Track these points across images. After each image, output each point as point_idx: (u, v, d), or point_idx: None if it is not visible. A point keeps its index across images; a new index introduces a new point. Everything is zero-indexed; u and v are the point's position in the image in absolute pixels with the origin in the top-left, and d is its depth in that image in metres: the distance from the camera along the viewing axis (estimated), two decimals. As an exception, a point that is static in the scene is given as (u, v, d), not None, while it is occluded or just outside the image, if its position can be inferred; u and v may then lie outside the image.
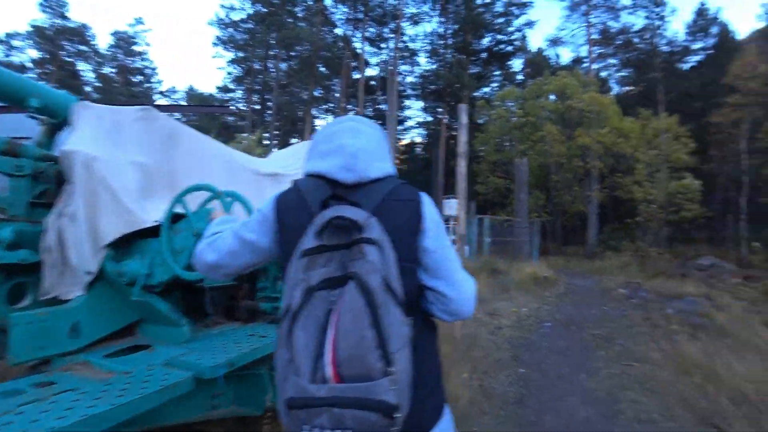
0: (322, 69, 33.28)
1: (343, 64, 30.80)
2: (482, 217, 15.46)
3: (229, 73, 38.02)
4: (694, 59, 29.54)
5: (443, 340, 4.44)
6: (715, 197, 22.24)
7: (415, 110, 42.85)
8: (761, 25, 20.72)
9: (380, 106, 34.50)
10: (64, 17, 41.21)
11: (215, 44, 35.68)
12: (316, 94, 33.17)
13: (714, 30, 28.25)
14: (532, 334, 5.56)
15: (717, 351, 4.23)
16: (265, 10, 29.55)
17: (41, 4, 40.63)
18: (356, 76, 34.42)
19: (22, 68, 35.55)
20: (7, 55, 37.95)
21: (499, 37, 30.13)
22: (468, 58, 29.36)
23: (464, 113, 5.00)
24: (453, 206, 15.38)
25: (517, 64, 33.38)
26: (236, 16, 32.34)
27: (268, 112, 36.22)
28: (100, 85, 41.41)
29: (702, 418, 3.16)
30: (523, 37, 30.43)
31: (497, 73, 32.61)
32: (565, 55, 42.54)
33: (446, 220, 15.38)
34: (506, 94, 22.00)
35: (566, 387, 3.87)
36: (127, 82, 43.15)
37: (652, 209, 14.47)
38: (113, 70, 43.40)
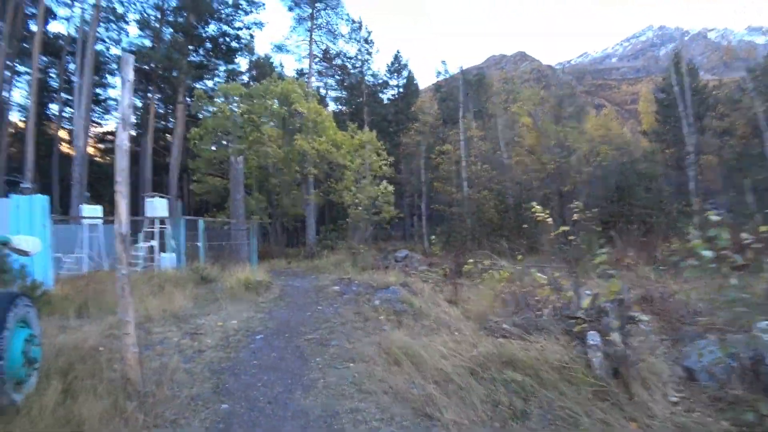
0: None
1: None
2: (194, 218, 13.24)
3: None
4: (391, 93, 37.27)
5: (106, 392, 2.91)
6: (404, 202, 28.20)
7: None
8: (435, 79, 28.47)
9: (71, 76, 25.28)
10: None
11: None
12: None
13: (405, 72, 36.43)
14: (241, 351, 4.40)
15: (418, 334, 4.34)
16: None
17: None
18: (33, 26, 23.99)
19: None
20: None
21: (226, 28, 27.98)
22: (188, 41, 25.67)
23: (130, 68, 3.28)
24: (161, 206, 12.52)
25: (242, 63, 32.26)
26: None
27: None
28: None
29: (416, 410, 2.87)
30: (251, 36, 29.55)
31: (222, 68, 30.37)
32: (289, 65, 44.60)
33: (151, 222, 12.26)
34: (231, 89, 20.53)
35: (280, 414, 2.94)
36: None
37: (359, 211, 16.45)
38: None
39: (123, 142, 3.30)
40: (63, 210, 18.76)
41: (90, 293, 6.85)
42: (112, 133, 32.75)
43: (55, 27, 34.46)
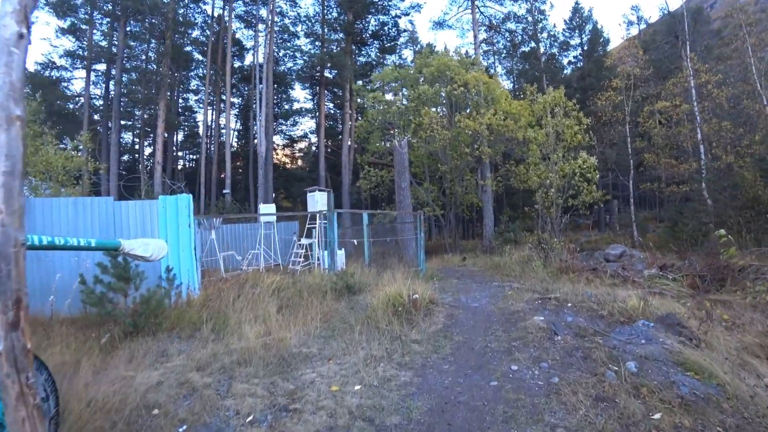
0: (190, 50, 27.22)
1: (211, 45, 25.20)
2: (356, 212, 11.91)
3: (55, 47, 29.35)
4: (573, 55, 30.51)
5: None
6: (599, 182, 22.13)
7: (304, 100, 37.69)
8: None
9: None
10: None
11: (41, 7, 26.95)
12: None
13: (588, 27, 29.25)
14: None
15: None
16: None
17: None
18: (237, 64, 28.99)
19: None
20: None
21: (384, 18, 27.35)
22: (349, 39, 26.02)
23: None
24: (321, 200, 11.63)
25: (407, 55, 31.35)
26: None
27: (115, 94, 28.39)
28: None
29: None
30: (411, 23, 28.28)
31: (388, 61, 30.04)
32: (453, 44, 41.90)
33: (312, 218, 11.47)
34: (384, 75, 18.83)
35: None
36: None
37: (551, 194, 12.41)
38: None
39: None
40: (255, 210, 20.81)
41: (235, 299, 5.82)
42: (295, 140, 36.97)
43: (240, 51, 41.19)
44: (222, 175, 25.81)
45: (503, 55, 31.68)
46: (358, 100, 23.97)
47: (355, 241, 11.51)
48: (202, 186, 23.51)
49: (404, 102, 19.08)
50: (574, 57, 30.44)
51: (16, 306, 1.49)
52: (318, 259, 10.57)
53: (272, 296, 6.19)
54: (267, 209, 13.47)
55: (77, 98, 27.10)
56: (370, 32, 28.15)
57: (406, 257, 11.03)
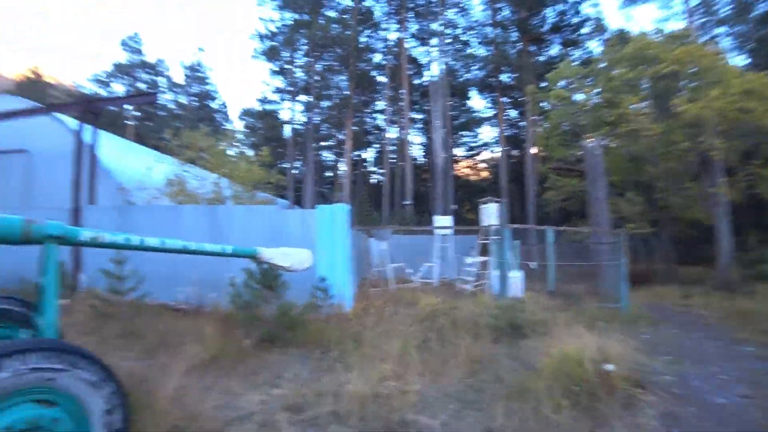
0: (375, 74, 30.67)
1: (392, 66, 27.66)
2: (535, 227, 10.34)
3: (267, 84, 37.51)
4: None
5: None
6: None
7: (484, 109, 35.36)
8: None
9: (450, 112, 30.17)
10: (139, 52, 44.81)
11: (254, 57, 35.01)
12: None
13: None
14: None
15: None
16: (299, 16, 27.62)
17: (122, 43, 44.67)
18: (416, 81, 30.89)
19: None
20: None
21: (561, 7, 24.29)
22: (527, 37, 24.02)
23: None
24: (494, 213, 10.62)
25: (595, 47, 27.07)
26: (274, 27, 31.04)
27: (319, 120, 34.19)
28: (179, 111, 44.00)
29: None
30: (595, 6, 24.31)
31: (575, 55, 26.46)
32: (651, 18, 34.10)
33: (485, 232, 10.49)
34: (561, 72, 16.17)
35: None
36: (201, 107, 45.13)
37: None
38: (191, 97, 45.80)
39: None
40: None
41: (382, 320, 5.54)
42: (476, 151, 36.20)
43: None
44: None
45: (731, 23, 23.80)
46: (540, 104, 21.33)
47: (532, 265, 10.08)
48: (386, 198, 25.42)
49: (594, 97, 15.72)
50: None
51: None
52: (489, 281, 9.57)
53: (422, 323, 5.45)
54: (442, 221, 13.03)
55: (287, 125, 34.09)
56: (548, 26, 25.53)
57: (602, 288, 9.08)
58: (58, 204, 9.28)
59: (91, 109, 8.05)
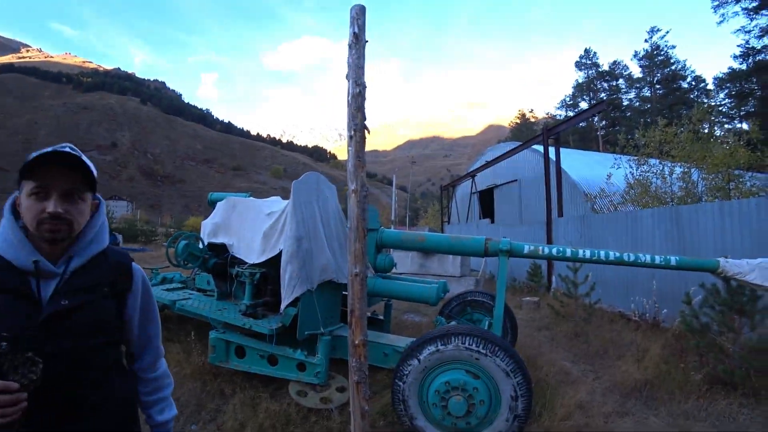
0: None
1: None
2: None
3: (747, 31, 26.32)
4: None
5: None
6: None
7: None
8: None
9: None
10: (591, 66, 46.96)
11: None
12: None
13: None
14: None
15: None
16: None
17: (576, 63, 48.75)
18: None
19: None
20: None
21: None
22: None
23: None
24: None
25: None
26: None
27: None
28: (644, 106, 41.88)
29: None
30: None
31: None
32: None
33: None
34: None
35: None
36: (668, 92, 40.57)
37: None
38: (656, 87, 42.52)
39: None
40: None
41: None
42: None
43: None
44: None
45: None
46: None
47: None
48: None
49: None
50: None
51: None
52: None
53: None
54: None
55: None
56: None
57: None
58: (539, 218, 11.42)
59: (551, 135, 9.40)
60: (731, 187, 7.74)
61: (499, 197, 17.70)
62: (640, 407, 3.12)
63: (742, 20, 25.66)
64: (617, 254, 2.95)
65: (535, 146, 11.90)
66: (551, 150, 9.59)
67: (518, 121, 61.92)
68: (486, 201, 19.18)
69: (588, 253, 2.99)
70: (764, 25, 25.20)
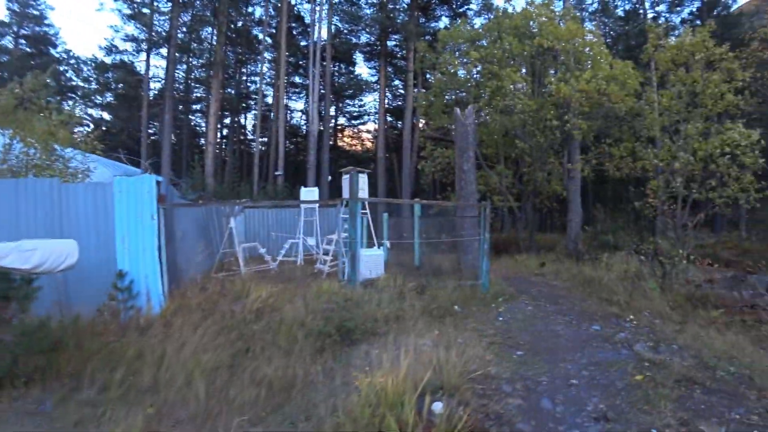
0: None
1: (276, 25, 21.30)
2: (406, 201, 12.32)
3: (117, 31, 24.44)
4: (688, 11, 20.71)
5: None
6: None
7: (368, 76, 29.42)
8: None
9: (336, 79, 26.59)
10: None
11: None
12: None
13: None
14: None
15: None
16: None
17: None
18: (303, 43, 25.35)
19: None
20: None
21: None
22: (415, 4, 20.65)
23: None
24: (360, 184, 8.05)
25: (480, 24, 19.03)
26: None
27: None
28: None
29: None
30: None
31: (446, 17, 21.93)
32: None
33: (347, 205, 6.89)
34: (453, 34, 14.68)
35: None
36: (36, 53, 27.29)
37: (677, 186, 9.09)
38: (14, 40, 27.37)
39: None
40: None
41: (194, 326, 4.32)
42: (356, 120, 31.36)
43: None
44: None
45: (601, 20, 23.23)
46: (428, 76, 20.99)
47: (388, 243, 9.75)
48: (261, 168, 20.92)
49: (471, 61, 13.52)
50: (690, 13, 21.06)
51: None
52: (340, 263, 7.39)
53: (233, 331, 4.41)
54: (308, 194, 11.01)
55: (145, 80, 24.21)
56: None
57: (465, 264, 8.24)
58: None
59: None
60: (60, 166, 7.26)
61: None
62: None
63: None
64: None
65: None
66: None
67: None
68: None
69: None
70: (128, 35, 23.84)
